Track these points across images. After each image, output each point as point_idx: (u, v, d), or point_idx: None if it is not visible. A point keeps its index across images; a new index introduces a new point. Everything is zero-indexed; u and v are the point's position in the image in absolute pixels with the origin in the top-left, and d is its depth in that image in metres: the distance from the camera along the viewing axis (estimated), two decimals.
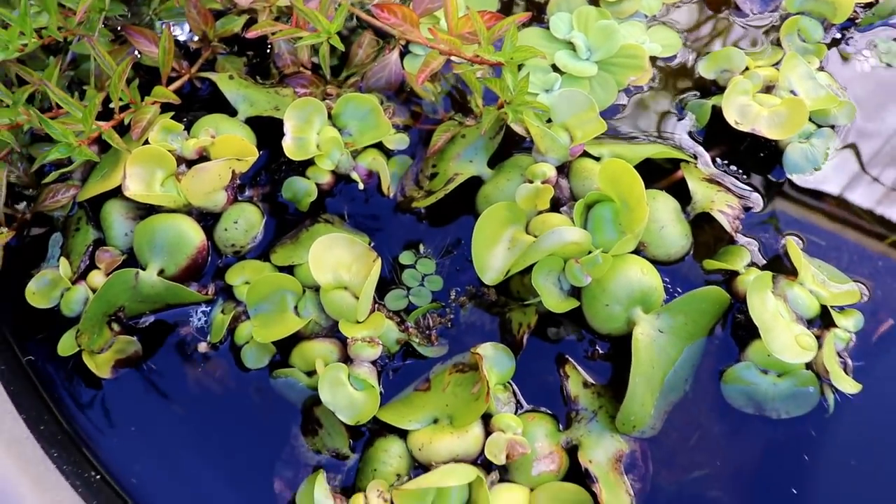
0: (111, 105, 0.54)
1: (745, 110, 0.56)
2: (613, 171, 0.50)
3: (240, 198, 0.56)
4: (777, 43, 0.61)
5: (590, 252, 0.49)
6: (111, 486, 0.49)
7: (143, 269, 0.52)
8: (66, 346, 0.52)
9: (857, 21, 0.62)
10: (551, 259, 0.50)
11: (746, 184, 0.56)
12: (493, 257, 0.50)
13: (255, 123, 0.58)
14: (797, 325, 0.50)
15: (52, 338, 0.53)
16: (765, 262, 0.53)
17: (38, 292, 0.53)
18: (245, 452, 0.51)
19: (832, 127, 0.58)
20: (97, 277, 0.53)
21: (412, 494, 0.44)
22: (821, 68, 0.60)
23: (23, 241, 0.57)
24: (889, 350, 0.52)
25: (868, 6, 0.62)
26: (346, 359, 0.50)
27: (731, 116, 0.55)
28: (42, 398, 0.52)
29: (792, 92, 0.57)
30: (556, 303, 0.49)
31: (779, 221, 0.55)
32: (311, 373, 0.50)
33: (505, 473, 0.48)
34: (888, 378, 0.51)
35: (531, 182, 0.52)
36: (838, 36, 0.62)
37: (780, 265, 0.53)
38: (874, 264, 0.54)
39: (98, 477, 0.49)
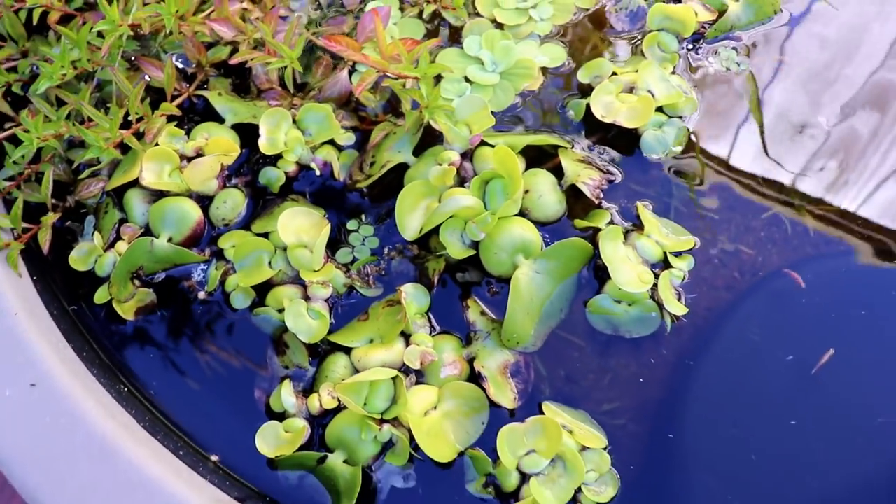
0: (129, 118, 0.72)
1: (609, 106, 0.73)
2: (501, 155, 0.67)
3: (228, 184, 0.74)
4: (641, 53, 0.78)
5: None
6: (135, 395, 0.67)
7: (157, 238, 0.70)
8: (100, 296, 0.70)
9: (705, 35, 0.79)
10: (454, 220, 0.67)
11: (612, 163, 0.73)
12: (411, 220, 0.68)
13: (239, 128, 0.75)
14: (640, 266, 0.67)
15: (89, 292, 0.71)
16: (625, 223, 0.71)
17: (78, 259, 0.71)
18: (233, 371, 0.68)
19: (680, 118, 0.75)
20: (122, 245, 0.71)
21: (351, 387, 0.62)
22: (674, 72, 0.77)
23: (64, 223, 0.75)
24: (714, 287, 0.69)
25: (711, 23, 0.79)
26: (306, 298, 0.67)
27: (598, 111, 0.73)
28: (83, 334, 0.69)
29: (649, 91, 0.74)
30: (459, 252, 0.67)
31: (636, 191, 0.73)
32: (281, 310, 0.67)
33: (420, 377, 0.65)
34: (710, 305, 0.68)
35: (441, 165, 0.69)
36: (690, 47, 0.79)
37: (636, 225, 0.70)
38: (704, 216, 0.71)
39: (126, 389, 0.67)
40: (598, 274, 0.69)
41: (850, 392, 0.65)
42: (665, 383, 0.65)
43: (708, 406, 0.65)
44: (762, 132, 0.75)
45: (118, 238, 0.72)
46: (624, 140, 0.74)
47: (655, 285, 0.66)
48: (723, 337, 0.67)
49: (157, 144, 0.72)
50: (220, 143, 0.73)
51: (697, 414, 0.65)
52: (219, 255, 0.71)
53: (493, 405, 0.64)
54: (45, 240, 0.71)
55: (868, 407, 0.65)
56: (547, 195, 0.70)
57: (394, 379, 0.63)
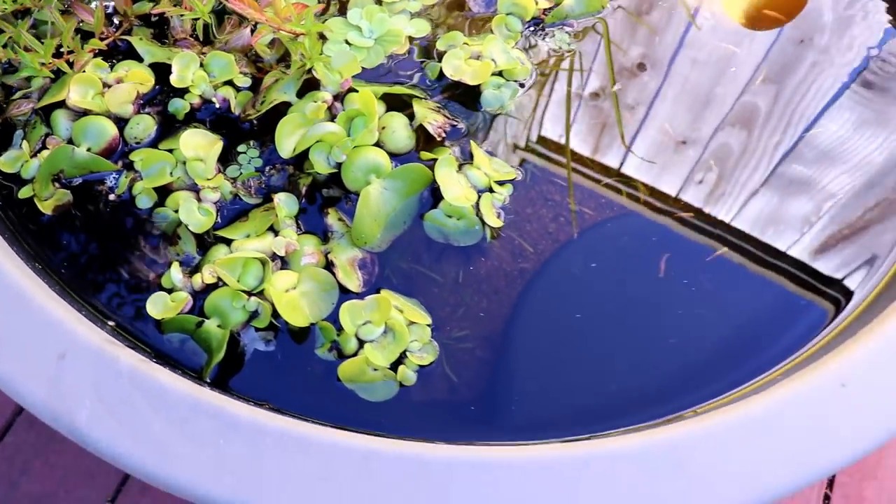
0: (61, 50, 0.87)
1: (457, 67, 0.91)
2: (363, 96, 0.85)
3: (141, 111, 0.89)
4: (490, 31, 0.96)
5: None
6: (47, 272, 0.81)
7: (78, 147, 0.84)
8: (24, 192, 0.84)
9: (544, 20, 0.99)
10: (322, 144, 0.84)
11: (456, 115, 0.91)
12: (288, 142, 0.84)
13: (155, 67, 0.91)
14: (468, 188, 0.84)
15: (11, 193, 0.85)
16: (461, 159, 0.88)
17: (6, 162, 0.85)
18: (136, 260, 0.83)
19: (516, 81, 0.93)
20: (47, 153, 0.85)
21: (228, 262, 0.77)
22: (515, 47, 0.95)
23: None
24: (529, 205, 0.87)
25: (549, 10, 0.98)
26: (198, 200, 0.83)
27: (448, 71, 0.91)
28: (6, 225, 0.83)
29: (492, 60, 0.92)
30: (324, 170, 0.83)
31: (475, 135, 0.90)
32: (177, 210, 0.83)
33: (285, 265, 0.81)
34: (522, 221, 0.86)
35: (316, 102, 0.86)
36: (532, 29, 0.98)
37: (469, 161, 0.88)
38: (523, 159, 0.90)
39: (40, 267, 0.80)
40: (435, 196, 0.86)
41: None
42: (483, 282, 0.83)
43: (515, 296, 0.83)
44: (579, 100, 0.95)
45: (44, 147, 0.86)
46: (468, 97, 0.92)
47: (480, 207, 0.84)
48: (527, 249, 0.85)
49: (84, 72, 0.87)
50: (137, 75, 0.88)
51: (506, 302, 0.82)
52: (129, 166, 0.86)
53: (343, 290, 0.80)
54: None
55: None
56: (399, 131, 0.87)
57: (262, 263, 0.79)
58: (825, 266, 0.86)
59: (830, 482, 1.09)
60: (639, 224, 0.88)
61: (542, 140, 0.92)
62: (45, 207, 0.84)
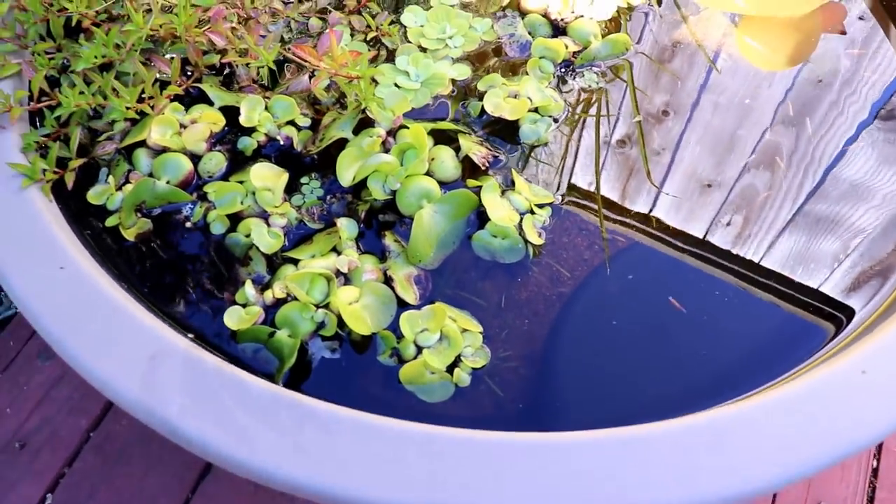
0: (143, 96, 0.98)
1: (497, 105, 1.01)
2: (414, 131, 0.94)
3: (213, 149, 0.99)
4: (526, 73, 1.06)
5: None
6: (132, 292, 0.89)
7: (158, 180, 0.94)
8: (111, 221, 0.93)
9: (574, 62, 1.08)
10: (378, 174, 0.93)
11: (497, 147, 1.00)
12: (347, 172, 0.93)
13: (224, 110, 1.01)
14: (511, 210, 0.92)
15: (99, 222, 0.94)
16: (504, 186, 0.97)
17: (94, 196, 0.95)
18: (211, 280, 0.91)
19: (551, 117, 1.03)
20: (130, 186, 0.95)
21: (297, 278, 0.85)
22: (548, 86, 1.05)
23: (82, 175, 0.98)
24: (566, 233, 0.95)
25: (578, 53, 1.08)
26: (267, 224, 0.91)
27: (489, 108, 1.00)
28: (94, 249, 0.92)
29: (528, 97, 1.02)
30: (380, 196, 0.92)
31: (515, 165, 0.99)
32: (248, 235, 0.91)
33: (348, 281, 0.89)
34: (561, 243, 0.93)
35: (371, 137, 0.95)
36: (563, 70, 1.08)
37: (512, 188, 0.97)
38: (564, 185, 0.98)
39: (125, 286, 0.89)
40: (480, 219, 0.94)
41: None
42: (528, 294, 0.90)
43: (562, 309, 0.89)
44: (607, 147, 1.04)
45: (127, 182, 0.96)
46: (508, 131, 1.02)
47: (523, 226, 0.92)
48: (569, 266, 0.93)
49: (163, 114, 0.98)
50: (210, 116, 0.98)
51: (554, 313, 0.89)
52: (203, 198, 0.95)
53: (401, 303, 0.88)
54: (70, 180, 0.95)
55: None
56: (447, 162, 0.96)
57: (328, 279, 0.87)
58: (855, 301, 0.92)
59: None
60: (663, 257, 0.95)
61: (575, 173, 1.00)
62: (129, 234, 0.93)
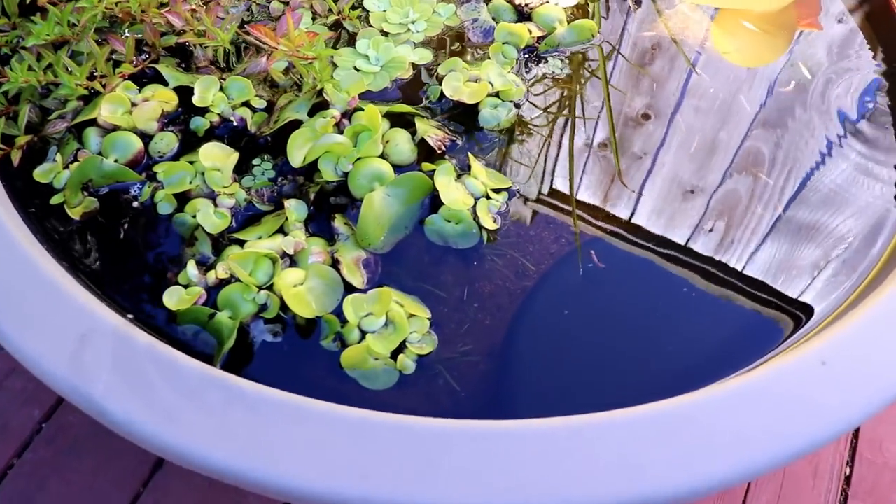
0: (95, 74, 0.96)
1: (456, 88, 0.98)
2: (369, 112, 0.92)
3: (165, 129, 0.97)
4: (488, 58, 1.04)
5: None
6: (74, 270, 0.87)
7: (106, 159, 0.92)
8: (56, 199, 0.91)
9: (538, 48, 1.06)
10: (329, 154, 0.90)
11: (455, 132, 0.98)
12: (298, 153, 0.91)
13: (179, 91, 0.99)
14: (466, 194, 0.90)
15: (45, 200, 0.92)
16: (460, 171, 0.94)
17: (41, 173, 0.92)
18: (155, 260, 0.89)
19: (512, 102, 1.00)
20: (77, 164, 0.93)
21: (241, 257, 0.83)
22: (511, 72, 1.03)
23: (31, 152, 0.96)
24: (527, 224, 0.92)
25: (542, 38, 1.06)
26: (215, 205, 0.89)
27: (448, 91, 0.98)
28: (38, 227, 0.90)
29: (489, 82, 1.00)
30: (331, 177, 0.90)
31: (472, 149, 0.97)
32: (195, 215, 0.89)
33: (294, 264, 0.86)
34: (523, 235, 0.91)
35: (325, 119, 0.93)
36: (526, 56, 1.06)
37: (468, 172, 0.94)
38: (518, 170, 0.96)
39: (66, 265, 0.86)
40: (435, 204, 0.91)
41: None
42: (479, 280, 0.88)
43: (522, 301, 0.87)
44: (573, 119, 1.01)
45: (75, 160, 0.93)
46: (467, 117, 0.99)
47: (477, 211, 0.89)
48: (531, 257, 0.90)
49: (114, 92, 0.96)
50: (163, 95, 0.96)
51: (512, 305, 0.86)
52: (152, 178, 0.93)
53: (347, 287, 0.85)
54: (16, 157, 0.93)
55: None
56: (402, 145, 0.93)
57: (273, 261, 0.84)
58: (818, 298, 0.89)
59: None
60: (627, 252, 0.93)
61: (538, 161, 0.98)
62: (74, 213, 0.90)
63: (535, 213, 0.93)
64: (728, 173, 0.98)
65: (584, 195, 0.95)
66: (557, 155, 0.99)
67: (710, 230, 0.94)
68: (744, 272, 0.91)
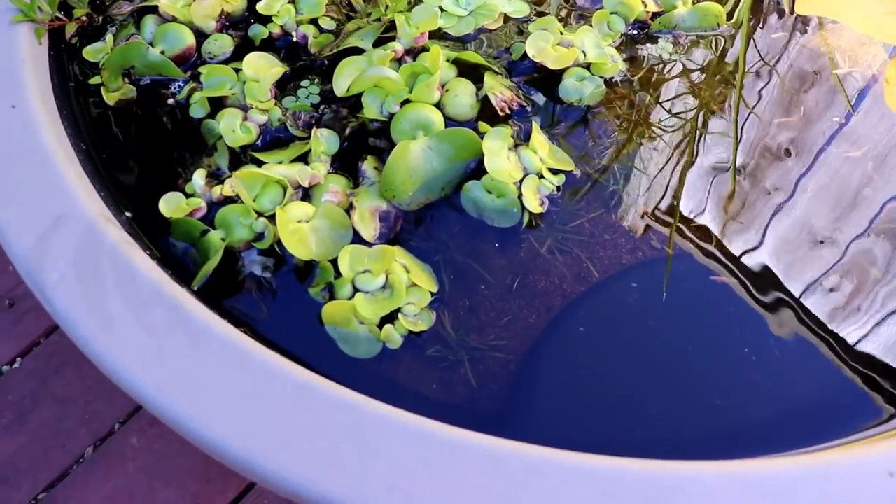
0: None
1: (541, 49, 0.86)
2: (432, 54, 0.81)
3: (223, 32, 0.90)
4: (590, 25, 0.91)
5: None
6: (91, 155, 0.82)
7: (152, 49, 0.86)
8: (94, 79, 0.86)
9: (650, 25, 0.92)
10: (377, 90, 0.81)
11: (529, 97, 0.86)
12: (344, 80, 0.82)
13: None
14: (516, 165, 0.78)
15: (87, 78, 0.88)
16: (520, 140, 0.82)
17: (90, 52, 0.88)
18: (172, 163, 0.82)
19: (602, 78, 0.86)
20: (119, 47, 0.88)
21: (248, 177, 0.75)
22: (611, 45, 0.89)
23: (90, 30, 0.92)
24: (572, 204, 0.79)
25: (656, 15, 0.91)
26: (245, 119, 0.82)
27: (531, 51, 0.85)
28: (70, 104, 0.86)
29: (582, 51, 0.86)
30: (374, 115, 0.80)
31: (542, 120, 0.84)
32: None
33: (307, 198, 0.77)
34: (564, 217, 0.78)
35: (385, 51, 0.83)
36: (635, 32, 0.92)
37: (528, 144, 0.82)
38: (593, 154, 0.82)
39: (84, 147, 0.82)
40: (483, 170, 0.80)
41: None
42: (506, 267, 0.76)
43: (562, 307, 0.74)
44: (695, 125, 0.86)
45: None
46: (547, 83, 0.87)
47: (523, 188, 0.77)
48: (587, 251, 0.77)
49: None
50: None
51: (545, 298, 0.74)
52: (195, 78, 0.87)
53: (357, 237, 0.75)
54: (70, 30, 0.89)
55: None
56: (462, 97, 0.82)
57: (283, 188, 0.76)
58: None
59: None
60: (722, 291, 0.78)
61: (617, 152, 0.84)
62: (110, 98, 0.85)
63: (605, 212, 0.80)
64: (867, 232, 0.81)
65: (694, 216, 0.81)
66: (654, 160, 0.84)
67: (832, 290, 0.77)
68: (856, 347, 0.74)
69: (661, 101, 0.88)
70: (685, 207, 0.81)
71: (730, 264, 0.78)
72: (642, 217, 0.80)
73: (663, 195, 0.82)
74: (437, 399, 0.69)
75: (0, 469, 1.07)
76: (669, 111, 0.87)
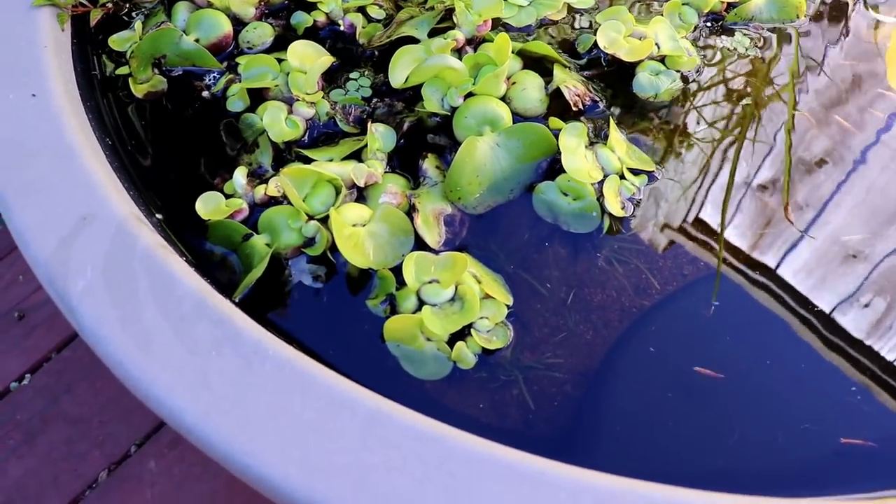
0: None
1: (613, 40, 0.78)
2: (499, 42, 0.73)
3: (264, 19, 0.82)
4: (661, 16, 0.83)
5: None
6: (116, 149, 0.74)
7: (187, 36, 0.78)
8: (122, 70, 0.78)
9: (725, 17, 0.84)
10: (438, 80, 0.73)
11: (601, 92, 0.78)
12: (402, 70, 0.74)
13: None
14: (594, 165, 0.70)
15: (114, 69, 0.80)
16: (595, 138, 0.74)
17: (117, 40, 0.80)
18: (208, 161, 0.74)
19: (679, 72, 0.79)
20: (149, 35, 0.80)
21: (297, 174, 0.67)
22: (685, 37, 0.81)
23: (118, 16, 0.84)
24: (648, 219, 0.71)
25: (731, 6, 0.84)
26: (290, 113, 0.74)
27: (603, 42, 0.78)
28: (93, 93, 0.77)
29: (656, 43, 0.79)
30: (435, 108, 0.72)
31: (616, 116, 0.76)
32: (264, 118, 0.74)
33: (362, 199, 0.69)
34: (648, 221, 0.70)
35: (445, 39, 0.75)
36: (709, 24, 0.84)
37: (605, 142, 0.74)
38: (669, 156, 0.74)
39: (110, 143, 0.73)
40: (554, 171, 0.72)
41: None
42: (587, 280, 0.67)
43: (632, 323, 0.66)
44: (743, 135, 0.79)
45: None
46: (620, 78, 0.79)
47: (604, 190, 0.69)
48: (647, 262, 0.69)
49: None
50: None
51: (608, 312, 0.66)
52: (233, 69, 0.79)
53: (419, 243, 0.67)
54: (95, 17, 0.81)
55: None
56: (531, 90, 0.74)
57: (336, 189, 0.68)
58: None
59: None
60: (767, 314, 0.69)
61: (695, 155, 0.76)
62: (138, 90, 0.77)
63: (672, 220, 0.71)
64: None
65: (732, 228, 0.73)
66: (718, 156, 0.76)
67: (866, 305, 0.69)
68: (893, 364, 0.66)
69: (733, 99, 0.80)
70: (732, 219, 0.73)
71: (760, 278, 0.70)
72: (698, 225, 0.71)
73: (721, 201, 0.74)
74: (515, 428, 0.60)
75: (7, 495, 0.97)
76: (737, 113, 0.79)
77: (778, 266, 0.70)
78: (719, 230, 0.71)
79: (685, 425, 0.63)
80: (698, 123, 0.78)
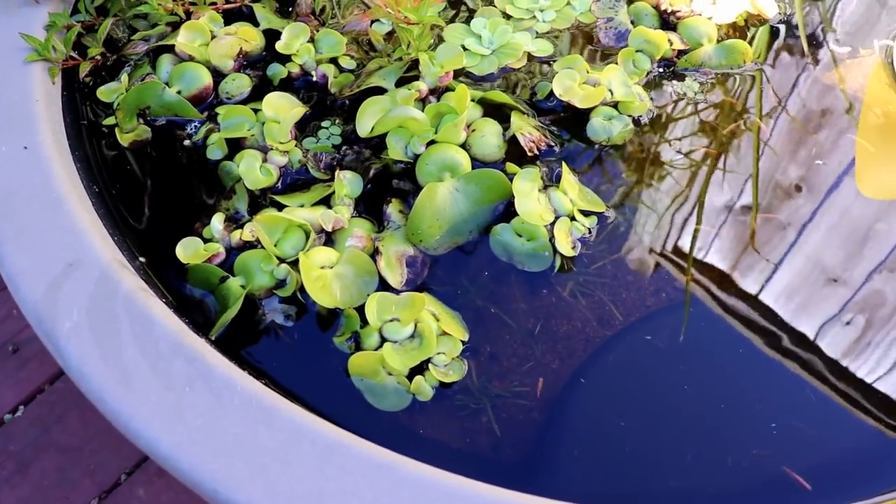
0: (184, 3, 0.88)
1: (568, 88, 0.84)
2: (458, 93, 0.79)
3: (242, 71, 0.88)
4: (615, 63, 0.89)
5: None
6: (102, 195, 0.79)
7: (169, 88, 0.84)
8: (108, 120, 0.84)
9: (676, 62, 0.90)
10: (402, 130, 0.78)
11: (557, 137, 0.83)
12: (367, 120, 0.79)
13: (269, 35, 0.90)
14: (546, 208, 0.75)
15: (102, 119, 0.85)
16: (549, 182, 0.79)
17: (105, 91, 0.86)
18: (188, 207, 0.79)
19: (631, 117, 0.84)
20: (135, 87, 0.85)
21: (268, 221, 0.72)
22: (638, 83, 0.87)
23: (103, 71, 0.90)
24: (606, 246, 0.76)
25: (684, 53, 0.89)
26: (265, 161, 0.79)
27: (558, 90, 0.83)
28: (82, 143, 0.83)
29: (609, 90, 0.84)
30: (399, 156, 0.77)
31: (571, 160, 0.82)
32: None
33: (330, 243, 0.74)
34: (599, 258, 0.75)
35: (409, 91, 0.81)
36: (661, 70, 0.90)
37: (558, 186, 0.79)
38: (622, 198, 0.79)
39: (96, 189, 0.78)
40: (510, 213, 0.77)
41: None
42: (535, 313, 0.72)
43: (581, 338, 0.71)
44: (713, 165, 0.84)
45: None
46: (574, 123, 0.84)
47: (555, 231, 0.74)
48: (610, 293, 0.74)
49: (197, 21, 0.88)
50: (246, 33, 0.87)
51: (569, 343, 0.71)
52: (213, 119, 0.84)
53: (383, 283, 0.72)
54: (84, 69, 0.87)
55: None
56: (489, 137, 0.80)
57: (306, 233, 0.73)
58: None
59: None
60: (748, 334, 0.74)
61: (650, 195, 0.81)
62: (124, 140, 0.83)
63: (632, 254, 0.77)
64: (879, 269, 0.78)
65: (707, 254, 0.78)
66: (675, 194, 0.82)
67: (847, 323, 0.74)
68: (874, 385, 0.71)
69: (685, 140, 0.86)
70: (705, 248, 0.78)
71: (740, 304, 0.75)
72: (661, 257, 0.77)
73: (680, 234, 0.79)
74: (472, 453, 0.65)
75: None
76: (691, 152, 0.85)
77: (745, 295, 0.75)
78: (685, 263, 0.76)
79: (645, 447, 0.67)
80: (651, 164, 0.83)
